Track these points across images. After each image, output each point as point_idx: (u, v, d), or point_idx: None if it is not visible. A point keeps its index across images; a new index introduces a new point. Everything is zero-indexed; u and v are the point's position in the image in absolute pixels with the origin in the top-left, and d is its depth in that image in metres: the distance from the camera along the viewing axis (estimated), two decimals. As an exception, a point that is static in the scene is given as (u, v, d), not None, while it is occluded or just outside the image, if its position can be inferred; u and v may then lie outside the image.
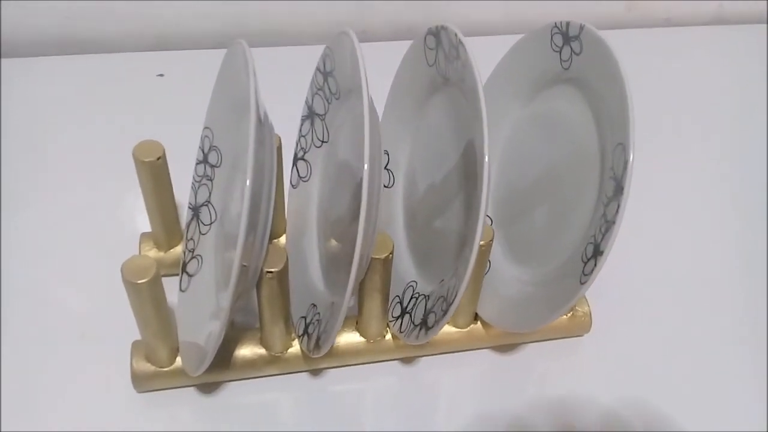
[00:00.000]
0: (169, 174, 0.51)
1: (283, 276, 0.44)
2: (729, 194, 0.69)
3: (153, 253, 0.55)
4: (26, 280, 0.55)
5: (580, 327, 0.54)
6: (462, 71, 0.44)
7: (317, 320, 0.48)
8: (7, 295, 0.54)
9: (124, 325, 0.49)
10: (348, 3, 0.76)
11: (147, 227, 0.57)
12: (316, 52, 0.51)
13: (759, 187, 0.69)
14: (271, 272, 0.43)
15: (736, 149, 0.74)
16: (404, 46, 0.52)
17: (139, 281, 0.42)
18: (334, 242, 0.51)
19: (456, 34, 0.44)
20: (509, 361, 0.54)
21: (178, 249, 0.55)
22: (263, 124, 0.41)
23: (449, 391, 0.53)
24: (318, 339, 0.46)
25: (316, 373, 0.52)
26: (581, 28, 0.46)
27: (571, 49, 0.47)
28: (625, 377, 0.53)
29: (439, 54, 0.48)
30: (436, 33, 0.47)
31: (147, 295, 0.43)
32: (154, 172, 0.50)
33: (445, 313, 0.43)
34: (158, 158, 0.49)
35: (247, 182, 0.38)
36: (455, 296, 0.42)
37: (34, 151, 0.66)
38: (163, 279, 0.43)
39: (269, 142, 0.44)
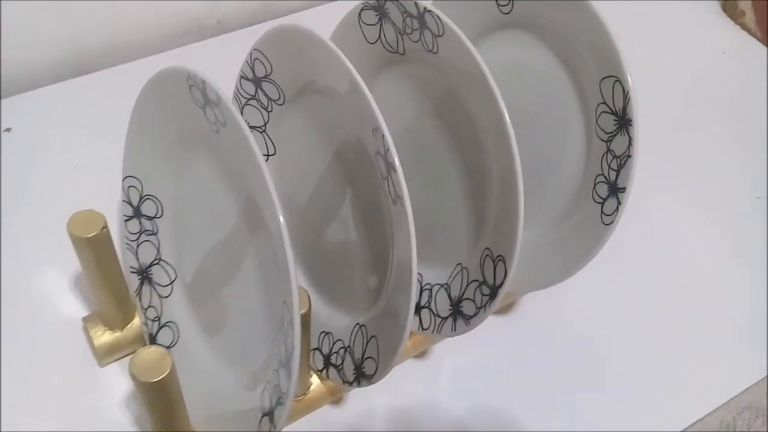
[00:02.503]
0: (113, 244, 0.43)
1: (308, 319, 0.39)
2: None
3: (107, 336, 0.47)
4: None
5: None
6: (431, 41, 0.41)
7: (342, 348, 0.43)
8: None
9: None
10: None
11: (79, 309, 0.49)
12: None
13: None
14: (298, 316, 0.38)
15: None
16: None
17: (155, 379, 0.35)
18: (324, 259, 0.46)
19: (416, 3, 0.40)
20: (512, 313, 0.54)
21: (135, 323, 0.47)
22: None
23: (466, 363, 0.51)
24: (359, 367, 0.42)
25: (338, 401, 0.47)
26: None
27: (511, -9, 0.45)
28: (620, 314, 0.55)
29: (385, 28, 0.43)
30: (378, 7, 0.43)
31: (165, 391, 0.36)
32: (97, 246, 0.41)
33: (493, 297, 0.40)
34: (102, 228, 0.40)
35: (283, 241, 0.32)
36: (504, 279, 0.40)
37: None
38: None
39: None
